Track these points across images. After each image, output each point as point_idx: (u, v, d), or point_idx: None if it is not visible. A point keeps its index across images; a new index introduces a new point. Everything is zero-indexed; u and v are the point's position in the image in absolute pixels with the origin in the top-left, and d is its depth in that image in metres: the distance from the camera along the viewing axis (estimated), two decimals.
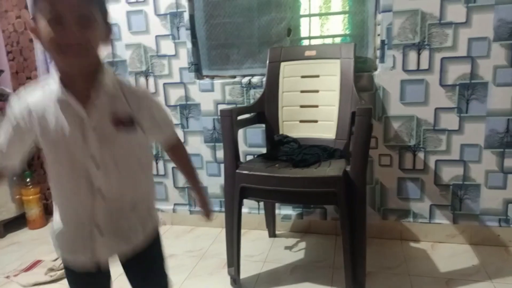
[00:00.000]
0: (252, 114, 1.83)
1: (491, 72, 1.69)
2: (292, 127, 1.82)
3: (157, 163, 2.20)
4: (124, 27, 2.07)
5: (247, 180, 1.46)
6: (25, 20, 2.20)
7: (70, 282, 0.96)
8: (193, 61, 2.04)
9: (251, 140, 2.04)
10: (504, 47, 1.66)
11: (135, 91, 0.87)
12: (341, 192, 1.34)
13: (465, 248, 1.82)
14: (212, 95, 2.03)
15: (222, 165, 1.65)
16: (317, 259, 1.78)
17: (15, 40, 2.26)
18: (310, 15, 1.98)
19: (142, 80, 2.12)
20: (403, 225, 1.92)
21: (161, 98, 2.10)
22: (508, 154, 1.74)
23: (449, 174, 1.83)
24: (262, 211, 2.02)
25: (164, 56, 2.06)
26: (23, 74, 2.31)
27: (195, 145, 2.11)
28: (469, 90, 1.73)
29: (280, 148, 1.72)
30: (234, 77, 2.04)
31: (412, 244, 1.88)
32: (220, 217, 2.05)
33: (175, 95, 2.09)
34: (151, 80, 2.11)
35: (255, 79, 1.98)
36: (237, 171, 1.48)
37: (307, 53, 1.82)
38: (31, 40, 2.18)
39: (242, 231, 1.57)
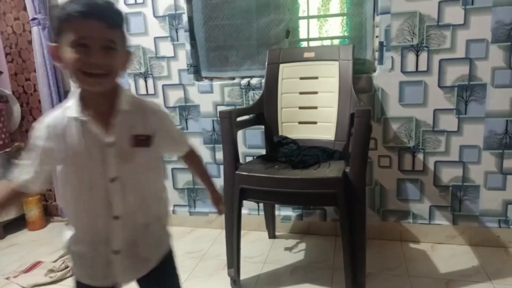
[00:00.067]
0: (251, 115, 1.83)
1: (490, 74, 1.70)
2: (291, 128, 1.82)
3: None
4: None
5: (246, 181, 1.46)
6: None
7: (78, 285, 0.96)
8: (192, 62, 2.05)
9: (250, 142, 2.04)
10: (502, 49, 1.66)
11: (151, 110, 0.90)
12: (341, 193, 1.34)
13: (465, 249, 1.82)
14: (211, 96, 2.04)
15: (222, 167, 1.66)
16: (317, 260, 1.78)
17: (14, 42, 2.26)
18: (308, 17, 1.98)
19: (141, 81, 2.12)
20: (403, 226, 1.92)
21: (160, 100, 2.10)
22: (507, 155, 1.75)
23: (448, 175, 1.83)
24: (262, 212, 2.02)
25: (163, 57, 2.07)
26: (22, 76, 2.31)
27: (195, 147, 2.10)
28: (467, 92, 1.74)
29: (279, 149, 1.72)
30: (233, 78, 2.04)
31: (412, 245, 1.88)
32: (220, 219, 2.05)
33: (174, 96, 2.09)
34: (150, 81, 2.11)
35: (254, 81, 1.98)
36: (237, 172, 1.48)
37: (306, 54, 1.82)
38: (29, 42, 2.18)
39: (242, 232, 1.57)
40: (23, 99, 2.34)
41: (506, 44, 1.66)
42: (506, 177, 1.77)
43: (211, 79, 2.08)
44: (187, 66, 2.04)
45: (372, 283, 1.56)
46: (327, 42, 2.05)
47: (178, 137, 1.01)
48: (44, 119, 0.84)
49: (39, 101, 2.19)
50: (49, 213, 2.42)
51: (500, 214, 1.81)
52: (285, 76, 1.84)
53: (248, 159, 2.01)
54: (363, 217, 1.40)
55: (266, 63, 1.87)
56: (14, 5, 2.20)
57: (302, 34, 2.00)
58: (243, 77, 2.03)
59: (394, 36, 1.76)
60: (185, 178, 2.17)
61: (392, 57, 1.78)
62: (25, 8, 2.11)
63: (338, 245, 1.88)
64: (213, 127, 2.07)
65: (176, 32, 2.02)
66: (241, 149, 2.00)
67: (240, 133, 1.99)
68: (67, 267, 1.76)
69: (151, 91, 2.11)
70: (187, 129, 2.10)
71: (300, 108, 1.82)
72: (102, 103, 0.82)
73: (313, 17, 1.99)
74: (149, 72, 2.10)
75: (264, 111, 1.85)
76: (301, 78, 1.82)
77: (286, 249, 1.90)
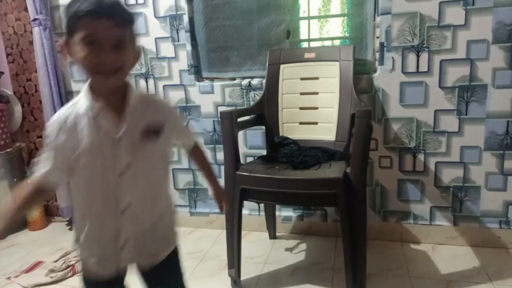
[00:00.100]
0: (252, 116, 1.83)
1: (490, 74, 1.70)
2: (292, 129, 1.82)
3: None
4: None
5: (247, 182, 1.46)
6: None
7: (85, 278, 0.96)
8: (193, 63, 2.05)
9: (251, 142, 2.04)
10: (503, 49, 1.66)
11: (160, 104, 0.94)
12: (341, 194, 1.34)
13: (466, 250, 1.82)
14: (212, 97, 2.04)
15: (222, 167, 1.66)
16: (317, 260, 1.78)
17: (15, 42, 2.27)
18: (309, 18, 1.98)
19: (142, 82, 2.12)
20: (404, 227, 1.92)
21: None
22: (508, 156, 1.75)
23: (449, 176, 1.83)
24: (263, 213, 2.02)
25: (164, 58, 2.07)
26: (23, 76, 2.31)
27: (200, 142, 2.11)
28: (468, 92, 1.74)
29: (280, 150, 1.72)
30: (234, 79, 2.05)
31: (413, 246, 1.88)
32: (220, 219, 2.05)
33: (175, 97, 2.09)
34: (151, 82, 2.11)
35: (254, 81, 1.98)
36: (237, 173, 1.48)
37: (307, 55, 1.83)
38: (30, 42, 2.18)
39: (243, 232, 1.57)
40: (24, 99, 2.35)
41: (507, 44, 1.66)
42: (507, 178, 1.77)
43: (212, 79, 2.09)
44: (188, 67, 2.05)
45: (373, 284, 1.56)
46: (327, 43, 2.05)
47: (185, 131, 1.04)
48: (56, 114, 0.86)
49: (40, 102, 2.20)
50: (50, 213, 2.43)
51: (501, 215, 1.81)
52: (286, 76, 1.84)
53: (249, 159, 2.01)
54: (364, 217, 1.40)
55: (267, 64, 1.87)
56: (15, 5, 2.20)
57: (303, 35, 2.00)
58: (243, 78, 2.03)
59: (395, 37, 1.76)
60: (186, 178, 2.17)
61: (392, 58, 1.78)
62: (26, 9, 2.11)
63: (339, 245, 1.88)
64: (214, 128, 2.07)
65: (177, 32, 2.03)
66: (242, 149, 2.00)
67: (240, 134, 1.99)
68: (68, 267, 1.76)
69: (152, 91, 2.11)
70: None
71: (301, 108, 1.82)
72: (112, 98, 0.84)
73: (313, 17, 1.99)
74: (150, 73, 2.10)
75: (264, 112, 1.85)
76: (302, 79, 1.82)
77: (287, 249, 1.90)
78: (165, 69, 2.08)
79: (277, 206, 2.02)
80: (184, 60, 2.04)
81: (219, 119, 1.58)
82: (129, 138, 0.84)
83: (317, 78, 1.80)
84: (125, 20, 0.80)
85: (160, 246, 0.95)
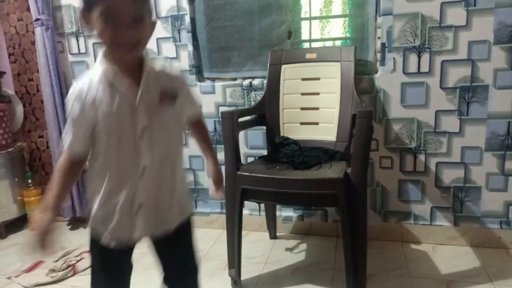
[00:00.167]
0: (253, 116, 1.83)
1: (492, 75, 1.70)
2: (292, 129, 1.83)
3: None
4: None
5: (248, 182, 1.46)
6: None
7: (95, 255, 0.99)
8: (194, 63, 2.05)
9: (252, 142, 2.04)
10: (504, 50, 1.66)
11: (174, 74, 0.97)
12: (342, 194, 1.34)
13: (466, 250, 1.82)
14: (213, 97, 2.04)
15: (223, 167, 1.66)
16: (318, 261, 1.78)
17: (17, 42, 2.27)
18: (310, 18, 1.99)
19: None
20: (404, 227, 1.92)
21: None
22: (508, 156, 1.75)
23: (450, 176, 1.83)
24: (263, 213, 2.03)
25: (165, 58, 2.07)
26: (25, 76, 2.32)
27: (196, 147, 2.11)
28: (469, 93, 1.74)
29: (281, 150, 1.73)
30: (235, 79, 2.05)
31: (413, 246, 1.88)
32: (221, 219, 2.05)
33: None
34: None
35: (256, 82, 1.98)
36: (238, 173, 1.48)
37: (308, 55, 1.83)
38: (32, 43, 2.19)
39: (243, 232, 1.57)
40: (26, 99, 2.35)
41: (508, 45, 1.66)
42: (507, 178, 1.77)
43: (213, 80, 2.09)
44: (189, 67, 2.05)
45: (373, 284, 1.56)
46: (329, 43, 2.05)
47: (195, 101, 1.06)
48: (73, 86, 0.88)
49: (42, 102, 2.20)
50: None
51: (501, 215, 1.81)
52: (287, 77, 1.84)
53: (250, 159, 2.02)
54: (364, 218, 1.41)
55: (268, 64, 1.87)
56: (18, 5, 2.21)
57: (304, 35, 2.00)
58: (245, 78, 2.03)
59: (396, 37, 1.76)
60: (186, 178, 2.18)
61: (394, 58, 1.78)
62: (28, 9, 2.12)
63: (339, 245, 1.88)
64: (215, 128, 2.08)
65: (179, 33, 2.03)
66: (243, 149, 2.00)
67: (241, 134, 1.99)
68: (68, 266, 1.77)
69: None
70: (188, 130, 2.10)
71: (302, 109, 1.82)
72: (128, 66, 0.86)
73: (315, 18, 2.00)
74: None
75: (266, 112, 1.85)
76: (303, 79, 1.82)
77: (287, 249, 1.90)
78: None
79: (277, 206, 2.02)
80: (185, 60, 2.05)
81: (220, 119, 1.58)
82: (145, 102, 0.86)
83: (318, 79, 1.80)
84: None
85: (174, 215, 0.96)
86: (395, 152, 1.87)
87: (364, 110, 1.36)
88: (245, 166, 1.55)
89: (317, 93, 1.80)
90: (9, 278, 1.75)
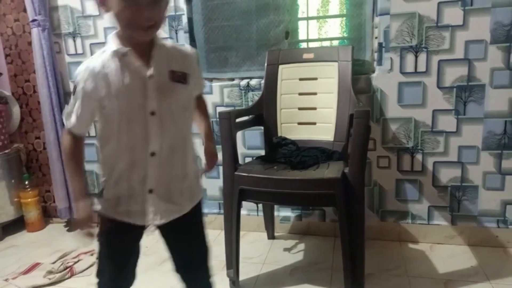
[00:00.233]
0: (250, 116, 1.83)
1: (488, 74, 1.70)
2: (290, 129, 1.83)
3: None
4: None
5: (245, 182, 1.46)
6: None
7: (103, 240, 0.98)
8: None
9: (249, 142, 2.04)
10: (501, 50, 1.67)
11: (186, 50, 0.97)
12: (340, 194, 1.34)
13: (464, 249, 1.82)
14: (211, 97, 2.04)
15: (221, 168, 1.65)
16: (316, 260, 1.78)
17: (14, 43, 2.26)
18: (308, 18, 1.99)
19: None
20: (402, 226, 1.92)
21: None
22: (505, 155, 1.75)
23: (447, 175, 1.83)
24: (261, 213, 2.03)
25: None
26: (22, 77, 2.31)
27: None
28: (466, 92, 1.74)
29: (278, 150, 1.73)
30: (233, 79, 2.05)
31: (411, 246, 1.88)
32: (219, 219, 2.05)
33: None
34: None
35: (253, 82, 1.98)
36: (236, 173, 1.48)
37: (305, 55, 1.83)
38: (29, 43, 2.18)
39: (241, 233, 1.57)
40: (23, 100, 2.34)
41: (505, 45, 1.66)
42: (504, 177, 1.77)
43: (211, 80, 2.09)
44: None
45: (371, 284, 1.56)
46: (326, 43, 2.05)
47: (201, 78, 1.06)
48: (84, 63, 0.88)
49: (39, 103, 2.19)
50: (48, 214, 2.42)
51: (498, 214, 1.81)
52: (285, 77, 1.84)
53: (248, 160, 2.01)
54: (362, 217, 1.41)
55: (266, 64, 1.87)
56: (14, 6, 2.20)
57: (302, 35, 2.01)
58: (242, 78, 2.03)
59: (393, 37, 1.77)
60: None
61: (391, 58, 1.78)
62: (25, 10, 2.11)
63: (337, 245, 1.88)
64: (213, 128, 2.07)
65: (176, 33, 2.03)
66: (241, 150, 2.00)
67: (239, 134, 1.99)
68: (66, 268, 1.76)
69: None
70: None
71: (300, 109, 1.82)
72: (140, 45, 0.86)
73: (312, 18, 2.00)
74: None
75: (263, 112, 1.85)
76: (301, 79, 1.82)
77: (285, 249, 1.90)
78: None
79: (275, 207, 2.02)
80: None
81: (218, 119, 1.58)
82: (157, 78, 0.86)
83: (315, 79, 1.80)
84: None
85: (185, 198, 0.96)
86: (392, 151, 1.87)
87: (362, 110, 1.36)
88: (243, 167, 1.55)
89: (315, 93, 1.80)
90: (6, 280, 1.74)
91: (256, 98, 1.92)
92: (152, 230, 0.94)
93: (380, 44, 1.79)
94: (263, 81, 1.89)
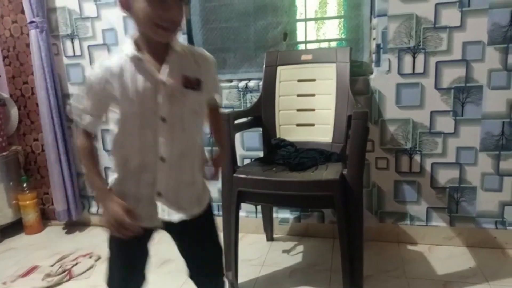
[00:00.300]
0: (249, 118, 1.83)
1: (486, 76, 1.71)
2: (289, 130, 1.83)
3: None
4: (121, 32, 2.07)
5: (244, 184, 1.46)
6: None
7: (113, 242, 0.98)
8: None
9: (248, 144, 2.04)
10: (499, 51, 1.67)
11: (202, 55, 0.95)
12: (338, 195, 1.34)
13: (462, 250, 1.82)
14: None
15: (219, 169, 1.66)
16: (315, 262, 1.78)
17: (12, 45, 2.26)
18: (306, 20, 1.99)
19: None
20: (400, 228, 1.92)
21: None
22: (503, 156, 1.76)
23: (445, 176, 1.84)
24: (260, 215, 2.02)
25: None
26: (20, 79, 2.30)
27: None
28: (464, 94, 1.74)
29: (277, 152, 1.73)
30: (231, 81, 2.05)
31: (409, 247, 1.88)
32: (217, 221, 2.05)
33: None
34: None
35: (251, 83, 1.98)
36: (234, 175, 1.48)
37: (303, 57, 1.83)
38: (27, 45, 2.17)
39: (240, 235, 1.57)
40: (21, 102, 2.34)
41: (502, 46, 1.67)
42: (502, 178, 1.78)
43: None
44: None
45: (370, 285, 1.56)
46: (324, 45, 2.05)
47: (219, 86, 1.05)
48: (99, 63, 0.88)
49: (37, 105, 2.19)
50: (46, 217, 2.41)
51: (496, 215, 1.81)
52: (283, 78, 1.84)
53: (246, 161, 2.01)
54: (361, 219, 1.41)
55: (264, 66, 1.87)
56: (12, 8, 2.20)
57: (300, 37, 2.01)
58: (240, 80, 2.03)
59: (391, 39, 1.77)
60: None
61: (389, 59, 1.79)
62: (23, 11, 2.11)
63: (336, 247, 1.88)
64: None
65: None
66: (239, 151, 2.00)
67: (238, 136, 1.99)
68: (64, 271, 1.76)
69: None
70: None
71: (298, 110, 1.82)
72: (157, 49, 0.87)
73: (310, 19, 2.00)
74: None
75: (262, 114, 1.85)
76: (299, 81, 1.82)
77: (284, 251, 1.90)
78: None
79: (274, 208, 2.02)
80: None
81: None
82: (169, 84, 0.86)
83: (313, 80, 1.80)
84: None
85: (193, 205, 0.96)
86: (390, 153, 1.87)
87: (360, 111, 1.36)
88: (241, 168, 1.55)
89: (313, 95, 1.80)
90: (4, 283, 1.73)
91: (255, 99, 1.92)
92: (160, 226, 0.95)
93: (378, 46, 1.80)
94: (261, 83, 1.89)
